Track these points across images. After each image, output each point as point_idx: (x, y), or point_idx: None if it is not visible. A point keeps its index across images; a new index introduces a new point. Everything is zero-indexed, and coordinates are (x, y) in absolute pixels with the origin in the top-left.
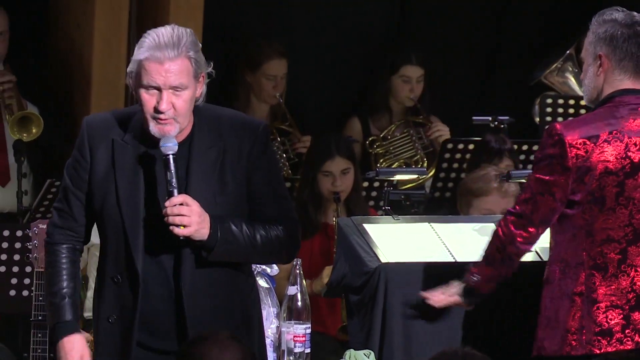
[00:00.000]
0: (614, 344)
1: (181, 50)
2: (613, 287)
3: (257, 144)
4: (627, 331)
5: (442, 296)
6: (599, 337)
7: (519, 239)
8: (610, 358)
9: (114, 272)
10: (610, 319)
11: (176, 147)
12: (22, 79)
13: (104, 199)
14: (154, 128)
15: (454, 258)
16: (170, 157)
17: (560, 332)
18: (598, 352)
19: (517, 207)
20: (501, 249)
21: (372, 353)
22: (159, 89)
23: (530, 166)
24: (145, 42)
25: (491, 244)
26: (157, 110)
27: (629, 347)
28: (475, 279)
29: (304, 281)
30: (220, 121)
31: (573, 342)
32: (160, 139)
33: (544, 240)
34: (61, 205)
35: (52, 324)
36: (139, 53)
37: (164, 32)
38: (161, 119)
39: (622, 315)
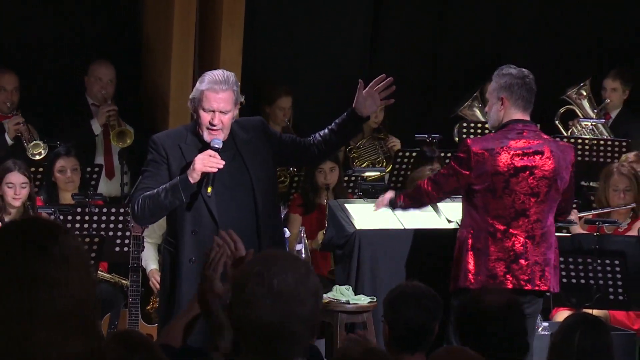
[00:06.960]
0: (498, 284)
1: (229, 85)
2: (499, 246)
3: (265, 127)
4: (507, 276)
5: (380, 203)
6: (488, 279)
7: (432, 197)
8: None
9: (193, 226)
10: (497, 268)
11: (221, 144)
12: (123, 110)
13: None
14: (207, 136)
15: (403, 226)
16: (217, 148)
17: (464, 273)
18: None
19: (437, 176)
20: (418, 197)
21: (350, 288)
22: (213, 110)
23: None
24: (206, 78)
25: (415, 191)
26: (211, 124)
27: (509, 287)
28: (400, 204)
29: (306, 241)
30: (243, 124)
31: (472, 279)
32: (211, 141)
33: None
34: (145, 183)
35: (175, 185)
36: (201, 85)
37: (218, 72)
38: (213, 130)
39: (504, 265)
